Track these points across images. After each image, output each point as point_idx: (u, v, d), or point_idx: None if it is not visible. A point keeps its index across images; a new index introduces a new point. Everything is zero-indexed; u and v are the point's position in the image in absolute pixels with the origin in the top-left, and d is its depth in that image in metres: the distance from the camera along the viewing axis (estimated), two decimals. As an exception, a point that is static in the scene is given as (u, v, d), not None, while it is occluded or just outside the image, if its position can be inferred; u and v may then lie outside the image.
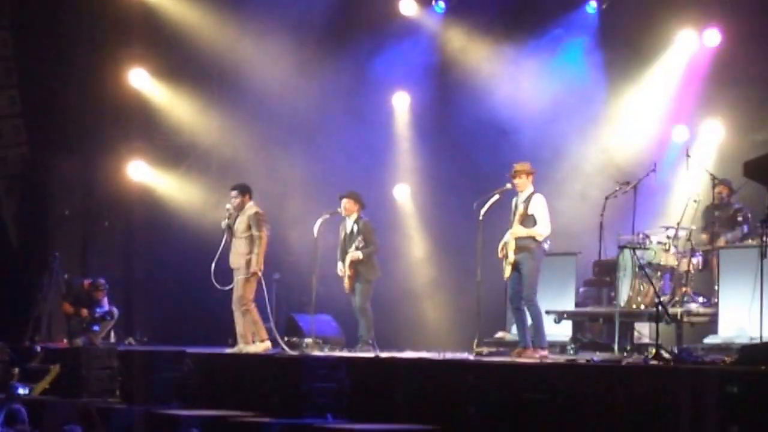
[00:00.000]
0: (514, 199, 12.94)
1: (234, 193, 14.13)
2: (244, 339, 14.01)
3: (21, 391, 13.38)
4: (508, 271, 12.81)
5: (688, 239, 14.04)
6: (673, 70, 16.54)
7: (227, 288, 14.11)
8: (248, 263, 13.88)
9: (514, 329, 14.32)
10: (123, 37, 18.58)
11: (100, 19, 18.50)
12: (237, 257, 14.00)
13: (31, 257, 17.73)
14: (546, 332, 14.26)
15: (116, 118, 18.82)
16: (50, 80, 18.33)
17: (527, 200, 12.74)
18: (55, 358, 14.43)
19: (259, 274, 13.95)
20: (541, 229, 12.64)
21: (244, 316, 13.98)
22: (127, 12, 18.39)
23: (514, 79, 16.78)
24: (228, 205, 14.16)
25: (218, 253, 14.08)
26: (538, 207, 12.69)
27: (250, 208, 14.06)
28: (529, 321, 12.78)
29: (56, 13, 18.25)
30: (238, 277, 13.96)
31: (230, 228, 14.07)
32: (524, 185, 12.83)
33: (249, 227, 13.92)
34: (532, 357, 12.27)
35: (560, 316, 14.51)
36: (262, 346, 13.85)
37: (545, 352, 12.57)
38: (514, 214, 12.81)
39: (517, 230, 12.67)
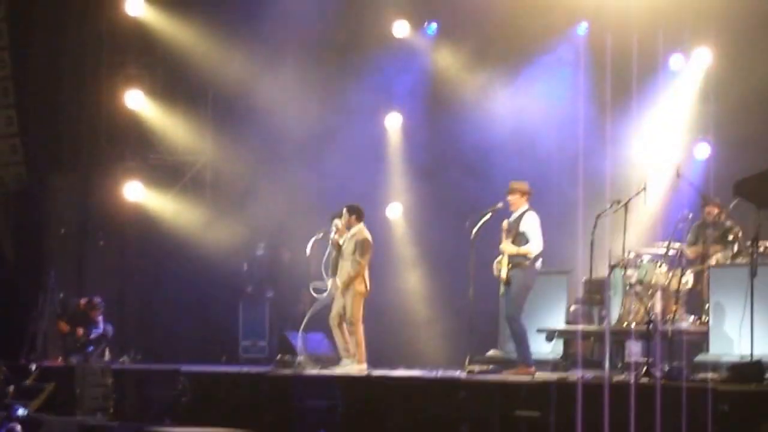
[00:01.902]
0: (505, 221, 12.98)
1: (343, 211, 14.23)
2: (348, 353, 13.98)
3: (20, 411, 13.42)
4: (503, 289, 12.89)
5: (679, 257, 14.09)
6: (663, 90, 16.65)
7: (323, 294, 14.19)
8: (354, 283, 13.95)
9: (506, 347, 14.38)
10: (119, 58, 18.68)
11: (96, 40, 18.60)
12: (344, 277, 14.04)
13: (27, 276, 17.76)
14: (538, 350, 14.37)
15: (112, 138, 18.89)
16: (47, 100, 18.41)
17: (519, 218, 12.83)
18: (50, 376, 14.47)
19: (364, 292, 14.00)
20: (532, 247, 12.73)
21: (351, 335, 13.94)
22: (123, 33, 18.50)
23: (505, 99, 16.87)
24: (336, 221, 14.22)
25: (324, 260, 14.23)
26: (530, 224, 12.77)
27: (361, 232, 14.14)
28: (515, 338, 12.88)
29: (54, 34, 18.35)
30: (346, 297, 13.96)
31: (339, 246, 14.14)
32: (517, 204, 12.91)
33: (354, 251, 14.01)
34: (520, 374, 12.37)
35: (551, 334, 14.56)
36: (358, 368, 13.76)
37: (532, 369, 12.66)
38: (507, 232, 12.88)
39: (508, 247, 12.75)
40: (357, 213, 14.30)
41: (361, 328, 13.94)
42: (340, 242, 14.13)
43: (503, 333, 14.41)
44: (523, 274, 12.71)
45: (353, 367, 13.76)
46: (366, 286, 13.99)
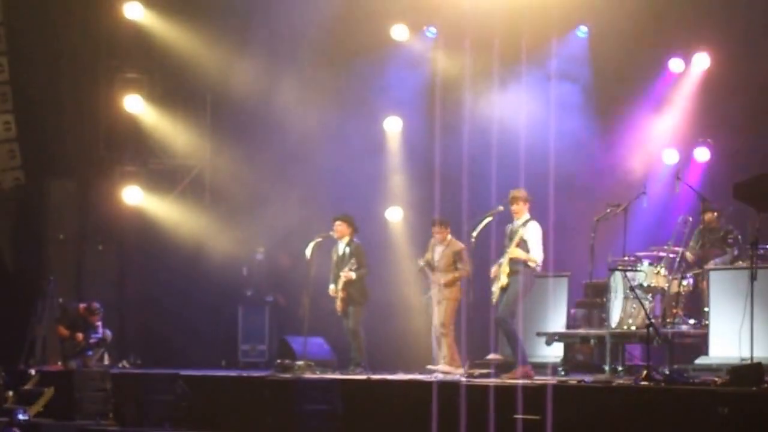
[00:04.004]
0: (509, 226, 13.07)
1: (438, 228, 14.24)
2: (450, 359, 14.00)
3: (21, 417, 13.40)
4: (497, 295, 12.93)
5: (679, 261, 14.11)
6: (662, 93, 16.67)
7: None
8: (449, 290, 14.00)
9: (506, 350, 14.38)
10: (117, 62, 18.66)
11: (95, 44, 18.58)
12: (439, 288, 14.09)
13: (26, 281, 17.73)
14: (538, 353, 14.40)
15: (110, 143, 18.86)
16: (45, 105, 18.39)
17: (523, 226, 12.90)
18: (50, 381, 14.44)
19: (459, 298, 14.05)
20: (535, 255, 12.81)
21: (444, 336, 14.03)
22: (121, 37, 18.48)
23: (505, 103, 16.88)
24: (433, 241, 14.32)
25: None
26: (532, 234, 12.85)
27: (454, 243, 14.18)
28: (508, 340, 12.94)
29: (52, 39, 18.33)
30: (441, 304, 14.01)
31: (428, 262, 14.22)
32: (521, 212, 13.00)
33: (453, 262, 14.04)
34: (516, 377, 12.38)
35: (552, 338, 14.57)
36: (456, 371, 13.75)
37: (527, 368, 12.68)
38: (510, 240, 12.94)
39: (515, 252, 12.80)
40: (449, 225, 14.35)
41: (453, 333, 14.01)
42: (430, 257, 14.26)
43: (502, 336, 14.41)
44: (522, 281, 12.78)
45: (450, 369, 13.79)
46: (461, 293, 14.04)
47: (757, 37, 15.58)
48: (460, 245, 14.12)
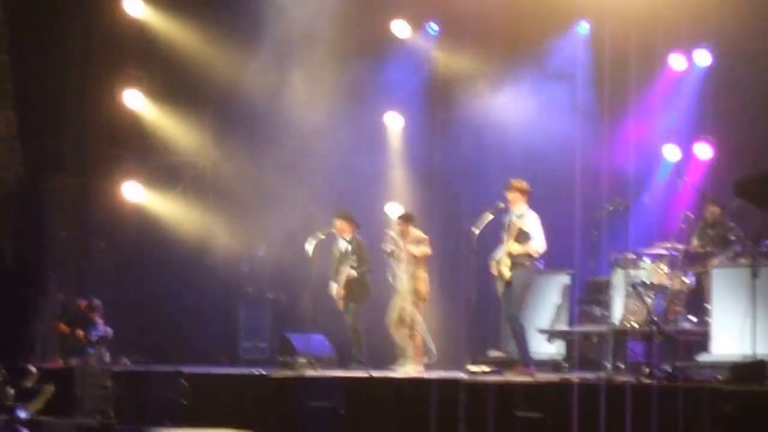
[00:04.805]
0: (505, 216, 13.10)
1: (399, 221, 14.51)
2: (406, 355, 14.13)
3: (21, 414, 13.40)
4: (501, 290, 12.95)
5: (681, 258, 14.09)
6: (664, 90, 16.64)
7: None
8: (415, 286, 14.16)
9: (507, 347, 14.36)
10: (118, 59, 18.65)
11: (95, 40, 18.58)
12: (402, 282, 14.25)
13: (27, 278, 17.74)
14: (540, 350, 14.39)
15: (112, 139, 18.87)
16: (46, 102, 18.38)
17: (520, 217, 12.91)
18: (50, 378, 14.45)
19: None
20: (536, 245, 12.83)
21: (411, 336, 14.21)
22: (122, 33, 18.48)
23: (506, 98, 16.86)
24: (391, 233, 14.52)
25: None
26: (532, 223, 12.88)
27: (415, 234, 14.41)
28: (516, 338, 12.96)
29: (52, 36, 18.33)
30: (407, 299, 14.21)
31: (394, 254, 14.37)
32: (515, 201, 13.01)
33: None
34: (518, 374, 12.41)
35: (554, 335, 14.57)
36: (417, 369, 13.87)
37: (531, 369, 12.71)
38: (508, 232, 12.95)
39: (513, 247, 12.83)
40: (413, 219, 14.59)
41: (419, 328, 14.19)
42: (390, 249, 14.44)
43: (504, 333, 14.40)
44: (524, 274, 12.85)
45: (411, 367, 13.90)
46: (426, 286, 14.28)
47: (758, 33, 15.54)
48: (422, 236, 14.36)
